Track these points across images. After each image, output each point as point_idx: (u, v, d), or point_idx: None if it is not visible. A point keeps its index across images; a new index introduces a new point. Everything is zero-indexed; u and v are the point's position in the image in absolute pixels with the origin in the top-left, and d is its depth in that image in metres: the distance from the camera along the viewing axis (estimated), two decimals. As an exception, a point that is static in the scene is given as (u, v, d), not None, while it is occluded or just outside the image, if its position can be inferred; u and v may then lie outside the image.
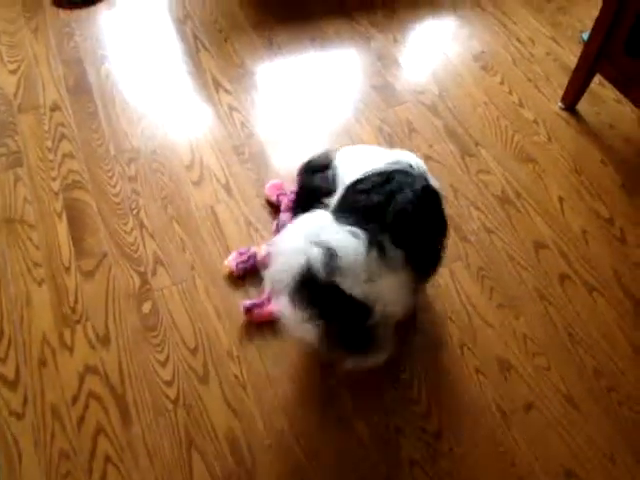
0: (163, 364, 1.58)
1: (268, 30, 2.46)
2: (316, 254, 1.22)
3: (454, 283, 1.76)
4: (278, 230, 1.77)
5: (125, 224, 1.84)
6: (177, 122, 2.13)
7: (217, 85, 2.24)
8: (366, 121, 2.16)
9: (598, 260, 1.83)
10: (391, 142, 2.07)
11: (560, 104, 2.21)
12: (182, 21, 2.50)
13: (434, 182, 1.49)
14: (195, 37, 2.42)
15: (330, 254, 1.23)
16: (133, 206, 1.88)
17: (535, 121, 2.17)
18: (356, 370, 1.43)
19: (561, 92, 2.22)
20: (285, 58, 2.38)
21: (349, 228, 1.30)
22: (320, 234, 1.27)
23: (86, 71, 2.26)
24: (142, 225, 1.84)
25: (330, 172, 1.60)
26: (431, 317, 1.69)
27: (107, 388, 1.52)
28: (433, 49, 2.47)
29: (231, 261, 1.74)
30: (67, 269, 1.73)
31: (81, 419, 1.47)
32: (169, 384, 1.55)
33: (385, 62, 2.38)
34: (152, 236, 1.82)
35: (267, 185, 1.92)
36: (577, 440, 1.51)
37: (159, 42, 2.41)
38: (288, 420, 1.51)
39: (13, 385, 1.52)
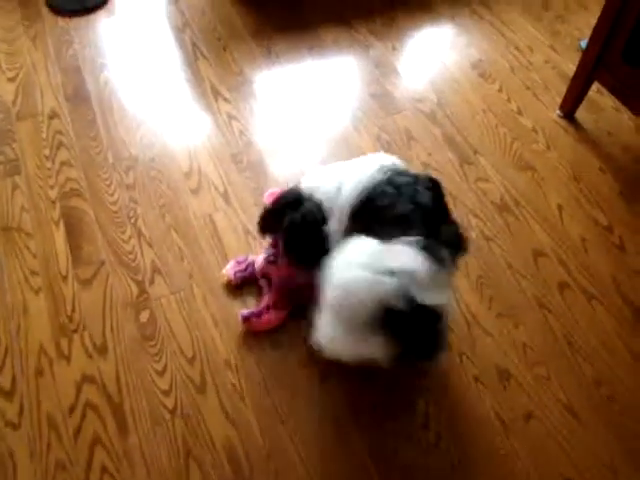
0: (161, 373, 1.57)
1: (267, 39, 2.47)
2: (393, 284, 1.22)
3: (453, 291, 1.75)
4: (276, 239, 1.77)
5: (123, 232, 1.83)
6: (175, 130, 2.13)
7: (216, 93, 2.24)
8: (364, 129, 2.15)
9: (597, 268, 1.82)
10: (390, 150, 2.07)
11: (558, 112, 2.21)
12: (181, 29, 2.50)
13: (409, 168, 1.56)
14: (194, 45, 2.42)
15: (406, 279, 1.23)
16: (131, 214, 1.87)
17: (534, 129, 2.17)
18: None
19: (559, 100, 2.22)
20: (283, 67, 2.38)
21: (401, 246, 1.29)
22: (382, 260, 1.26)
23: (85, 79, 2.26)
24: (140, 233, 1.83)
25: (310, 202, 1.57)
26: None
27: (104, 398, 1.51)
28: (431, 57, 2.47)
29: (229, 270, 1.73)
30: (64, 278, 1.72)
31: (78, 429, 1.46)
32: (166, 393, 1.53)
33: (384, 70, 2.38)
34: (150, 245, 1.81)
35: (266, 194, 1.91)
36: (577, 449, 1.50)
37: (158, 50, 2.41)
38: (286, 430, 1.49)
39: (9, 395, 1.50)
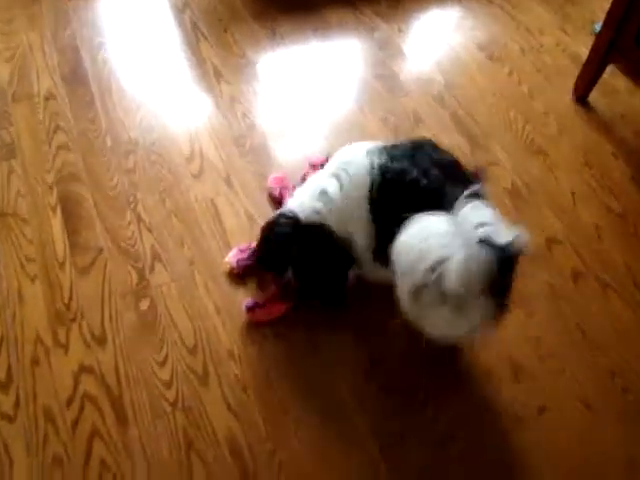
0: (161, 364, 1.50)
1: (271, 20, 2.38)
2: (489, 251, 1.16)
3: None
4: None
5: (122, 218, 1.76)
6: (176, 113, 2.05)
7: (218, 75, 2.16)
8: (370, 112, 2.08)
9: (611, 256, 1.75)
10: (397, 133, 2.00)
11: (571, 95, 2.13)
12: (181, 9, 2.41)
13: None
14: (194, 26, 2.34)
15: (494, 232, 1.19)
16: (131, 199, 1.80)
17: (545, 112, 2.09)
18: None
19: (571, 83, 2.14)
20: (287, 48, 2.30)
21: (470, 207, 1.24)
22: (466, 229, 1.20)
23: (82, 59, 2.18)
24: (140, 219, 1.76)
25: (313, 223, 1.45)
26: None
27: (103, 389, 1.45)
28: (438, 39, 2.39)
29: (231, 258, 1.66)
30: (61, 265, 1.65)
31: (75, 421, 1.39)
32: (168, 385, 1.47)
33: (389, 52, 2.30)
34: (150, 230, 1.74)
35: (270, 178, 1.84)
36: (591, 442, 1.44)
37: (157, 30, 2.33)
38: (290, 421, 1.43)
39: (4, 386, 1.44)
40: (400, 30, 2.39)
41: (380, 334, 1.58)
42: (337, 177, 1.43)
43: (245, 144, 1.96)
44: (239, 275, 1.65)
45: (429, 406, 1.47)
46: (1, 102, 2.02)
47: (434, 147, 1.42)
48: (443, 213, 1.24)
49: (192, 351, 1.53)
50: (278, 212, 1.53)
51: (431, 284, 1.21)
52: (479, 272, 1.16)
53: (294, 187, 1.78)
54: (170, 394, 1.46)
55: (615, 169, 1.95)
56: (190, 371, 1.49)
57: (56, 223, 1.73)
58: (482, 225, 1.20)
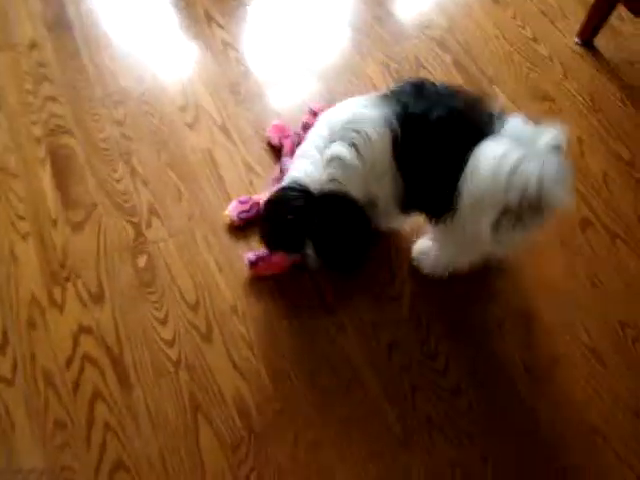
0: (162, 322, 1.42)
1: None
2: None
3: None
4: (282, 176, 1.60)
5: (115, 171, 1.65)
6: (167, 60, 1.90)
7: (209, 19, 2.00)
8: (370, 57, 1.94)
9: (621, 205, 1.67)
10: (399, 79, 1.87)
11: (576, 39, 2.01)
12: (168, -50, 2.24)
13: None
14: (183, -33, 2.18)
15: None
16: (123, 152, 1.68)
17: (550, 57, 1.97)
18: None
19: (577, 26, 2.01)
20: (281, -10, 2.15)
21: (512, 123, 1.21)
22: (529, 143, 1.17)
23: (66, 7, 2.01)
24: (134, 172, 1.65)
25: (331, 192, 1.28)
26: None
27: (103, 350, 1.37)
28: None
29: (231, 211, 1.56)
30: (54, 222, 1.54)
31: (76, 384, 1.32)
32: (170, 344, 1.40)
33: (388, -6, 2.15)
34: (145, 184, 1.63)
35: (269, 127, 1.73)
36: (602, 395, 1.40)
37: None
38: (298, 379, 1.37)
39: (1, 349, 1.36)
40: (398, -29, 2.24)
41: (387, 288, 1.51)
42: (348, 140, 1.26)
43: (240, 91, 1.83)
44: (240, 228, 1.56)
45: (439, 359, 1.42)
46: (-18, 50, 1.88)
47: (431, 83, 1.31)
48: (494, 137, 1.19)
49: (194, 308, 1.45)
50: (282, 185, 1.32)
51: (516, 205, 1.16)
52: (560, 176, 1.14)
53: (295, 135, 1.69)
54: (173, 353, 1.39)
55: (624, 115, 1.85)
56: (193, 328, 1.42)
57: (46, 178, 1.62)
58: (538, 134, 1.18)
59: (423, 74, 1.90)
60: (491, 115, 1.24)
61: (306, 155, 1.29)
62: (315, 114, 1.74)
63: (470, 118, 1.24)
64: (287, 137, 1.69)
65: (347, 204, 1.26)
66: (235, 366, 1.38)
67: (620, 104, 1.87)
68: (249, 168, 1.68)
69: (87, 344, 1.37)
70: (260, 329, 1.43)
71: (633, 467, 1.31)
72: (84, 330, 1.39)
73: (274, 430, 1.31)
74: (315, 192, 1.25)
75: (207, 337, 1.41)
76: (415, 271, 1.53)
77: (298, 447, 1.29)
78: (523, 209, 1.18)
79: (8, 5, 1.99)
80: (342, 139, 1.25)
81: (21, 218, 1.54)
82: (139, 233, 1.55)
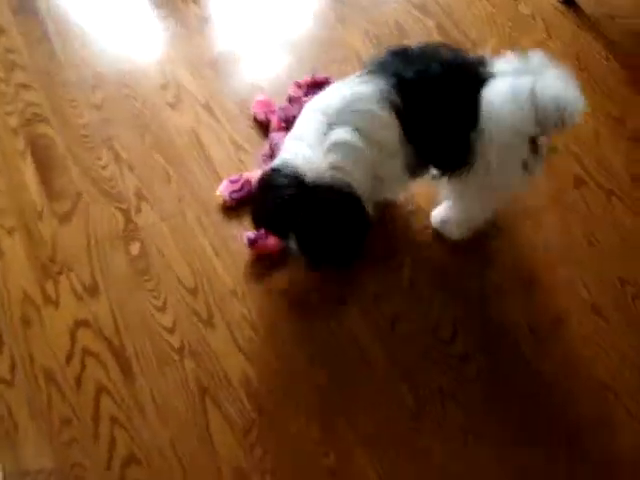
0: (161, 309, 1.37)
1: None
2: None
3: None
4: (272, 152, 1.54)
5: (99, 158, 1.57)
6: (143, 40, 1.82)
7: (183, -5, 1.92)
8: (350, 23, 1.87)
9: (613, 163, 1.65)
10: (379, 46, 1.81)
11: (557, -4, 1.98)
12: None
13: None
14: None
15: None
16: (105, 137, 1.60)
17: (533, 17, 1.92)
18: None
19: (557, -17, 1.98)
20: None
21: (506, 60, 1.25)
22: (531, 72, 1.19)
23: (30, -13, 1.92)
24: (118, 158, 1.57)
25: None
26: (443, 236, 1.51)
27: (103, 342, 1.31)
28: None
29: (223, 191, 1.50)
30: (39, 214, 1.47)
31: (78, 379, 1.26)
32: (171, 331, 1.34)
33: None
34: (131, 169, 1.56)
35: (253, 102, 1.66)
36: (606, 351, 1.38)
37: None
38: (305, 358, 1.33)
39: (-4, 349, 1.30)
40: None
41: (387, 260, 1.47)
42: (350, 123, 1.18)
43: (221, 67, 1.76)
44: (233, 208, 1.50)
45: (444, 328, 1.39)
46: (-54, 39, 1.77)
47: (412, 47, 1.27)
48: (495, 76, 1.21)
49: (193, 293, 1.40)
50: (275, 166, 1.21)
51: (542, 129, 1.20)
52: (570, 86, 1.18)
53: (281, 110, 1.63)
54: (175, 340, 1.34)
55: (610, 73, 1.82)
56: (193, 314, 1.37)
57: (28, 169, 1.54)
58: (530, 60, 1.21)
59: (405, 40, 1.84)
60: (482, 59, 1.25)
61: (303, 138, 1.20)
62: (300, 86, 1.68)
63: (464, 67, 1.22)
64: (273, 112, 1.63)
65: (344, 199, 1.16)
66: (240, 348, 1.33)
67: (604, 61, 1.84)
68: (237, 146, 1.61)
69: (86, 338, 1.31)
70: (262, 309, 1.38)
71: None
72: (81, 324, 1.33)
73: (284, 410, 1.27)
74: (310, 181, 1.15)
75: (208, 321, 1.36)
76: (413, 241, 1.50)
77: (310, 425, 1.25)
78: (547, 132, 1.23)
79: (-31, -10, 1.89)
80: (344, 123, 1.17)
81: (4, 213, 1.47)
82: (129, 220, 1.48)
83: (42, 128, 1.61)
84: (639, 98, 1.77)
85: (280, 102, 1.66)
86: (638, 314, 1.44)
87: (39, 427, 1.20)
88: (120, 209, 1.50)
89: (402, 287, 1.44)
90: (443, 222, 1.48)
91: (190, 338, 1.34)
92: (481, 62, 1.24)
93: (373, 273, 1.45)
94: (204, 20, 1.86)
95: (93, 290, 1.38)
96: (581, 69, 1.81)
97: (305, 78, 1.69)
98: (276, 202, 1.18)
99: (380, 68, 1.23)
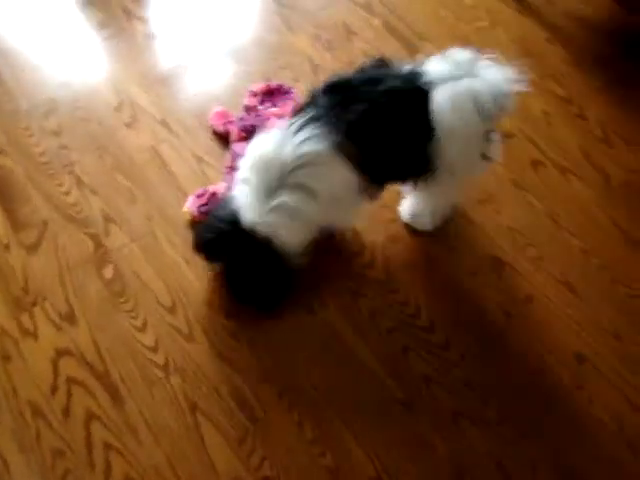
0: (141, 329, 1.36)
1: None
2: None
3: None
4: (234, 162, 1.54)
5: (60, 185, 1.55)
6: (91, 62, 1.80)
7: (127, 13, 1.89)
8: (298, 27, 1.89)
9: (564, 141, 1.70)
10: (330, 48, 1.84)
11: (495, -15, 2.03)
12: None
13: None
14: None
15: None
16: (65, 163, 1.58)
17: (474, 6, 1.97)
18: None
19: (493, -27, 2.03)
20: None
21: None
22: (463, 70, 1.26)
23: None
24: (80, 182, 1.55)
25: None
26: (411, 228, 1.54)
27: (87, 369, 1.29)
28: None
29: (190, 205, 1.50)
30: (6, 246, 1.44)
31: (66, 410, 1.24)
32: (154, 350, 1.33)
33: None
34: (94, 192, 1.54)
35: (211, 114, 1.66)
36: (580, 323, 1.43)
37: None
38: (291, 360, 1.34)
39: (-24, 389, 1.27)
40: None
41: (359, 257, 1.49)
42: (298, 186, 1.20)
43: (174, 82, 1.75)
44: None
45: (422, 317, 1.42)
46: None
47: (350, 79, 1.26)
48: (434, 84, 1.23)
49: (171, 310, 1.39)
50: (220, 206, 1.30)
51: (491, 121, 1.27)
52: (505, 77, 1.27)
53: (240, 120, 1.63)
54: (159, 358, 1.32)
55: (553, 55, 1.88)
56: (174, 330, 1.36)
57: (-12, 203, 1.51)
58: (459, 58, 1.28)
59: (354, 40, 1.87)
60: (416, 70, 1.26)
61: (252, 186, 1.22)
62: (255, 95, 1.69)
63: (405, 86, 1.23)
64: (231, 122, 1.63)
65: (266, 253, 1.24)
66: (223, 359, 1.33)
67: (547, 44, 1.90)
68: (199, 159, 1.61)
69: (69, 367, 1.29)
70: (241, 317, 1.38)
71: (621, 388, 1.35)
72: (63, 353, 1.30)
73: (277, 414, 1.27)
74: (245, 226, 1.22)
75: (190, 336, 1.35)
76: (381, 236, 1.52)
77: (304, 426, 1.26)
78: (495, 121, 1.31)
79: None
80: (293, 187, 1.20)
81: (-31, 249, 1.44)
82: (99, 243, 1.46)
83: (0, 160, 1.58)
84: (583, 77, 1.84)
85: (236, 112, 1.66)
86: (605, 283, 1.49)
87: (30, 462, 1.18)
88: (88, 234, 1.48)
89: (378, 281, 1.46)
90: (413, 216, 1.51)
91: (174, 355, 1.33)
92: (417, 74, 1.25)
93: (347, 270, 1.47)
94: (150, 36, 1.85)
95: (70, 317, 1.36)
96: (526, 54, 1.86)
97: (259, 86, 1.69)
98: (210, 233, 1.29)
99: (324, 113, 1.21)
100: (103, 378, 1.29)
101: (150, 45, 1.84)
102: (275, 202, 1.19)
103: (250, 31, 1.90)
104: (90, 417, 1.24)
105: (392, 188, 1.48)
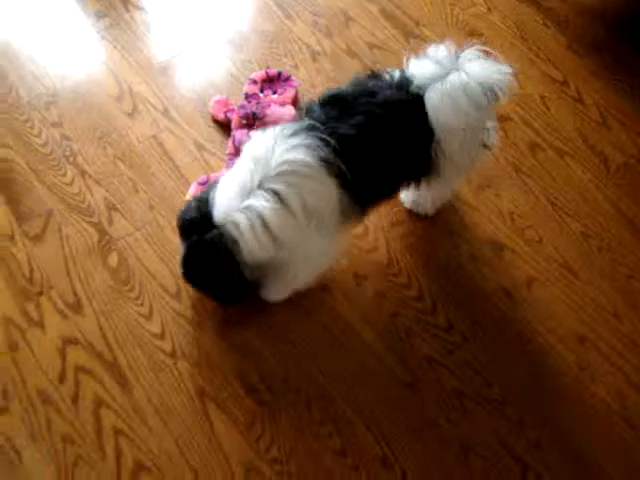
0: (148, 317, 1.35)
1: None
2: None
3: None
4: (236, 149, 1.53)
5: (63, 175, 1.53)
6: (91, 52, 1.78)
7: (126, 3, 1.86)
8: (297, 16, 1.87)
9: (562, 124, 1.70)
10: (329, 35, 1.83)
11: (491, -30, 2.01)
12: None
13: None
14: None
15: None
16: (67, 153, 1.56)
17: (471, -8, 1.96)
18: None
19: (489, -43, 2.01)
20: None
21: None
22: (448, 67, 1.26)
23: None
24: (83, 172, 1.54)
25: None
26: (413, 212, 1.53)
27: (94, 357, 1.29)
28: None
29: (193, 194, 1.49)
30: (11, 238, 1.43)
31: (75, 397, 1.24)
32: (161, 337, 1.33)
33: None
34: (98, 182, 1.52)
35: (211, 103, 1.65)
36: (582, 305, 1.43)
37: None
38: (295, 344, 1.34)
39: (-14, 379, 1.26)
40: None
41: (362, 241, 1.48)
42: (274, 194, 1.14)
43: (174, 71, 1.73)
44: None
45: (424, 300, 1.42)
46: None
47: (344, 92, 1.24)
48: (424, 88, 1.23)
49: (176, 296, 1.38)
50: (207, 190, 1.24)
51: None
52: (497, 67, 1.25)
53: (240, 108, 1.62)
54: (166, 345, 1.32)
55: (550, 39, 1.87)
56: (180, 317, 1.35)
57: (-8, 194, 1.50)
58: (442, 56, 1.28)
59: (352, 26, 1.85)
60: (405, 77, 1.25)
61: (233, 184, 1.18)
62: (255, 82, 1.67)
63: (398, 95, 1.22)
64: (232, 111, 1.62)
65: (218, 253, 1.18)
66: (231, 345, 1.33)
67: (544, 27, 1.89)
68: (200, 147, 1.60)
69: (76, 355, 1.28)
70: (246, 302, 1.37)
71: (621, 368, 1.36)
72: (70, 341, 1.30)
73: (284, 398, 1.27)
74: (215, 221, 1.17)
75: (197, 323, 1.35)
76: (383, 221, 1.52)
77: (312, 409, 1.26)
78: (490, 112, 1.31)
79: None
80: (266, 191, 1.14)
81: (-26, 240, 1.42)
82: (103, 232, 1.45)
83: (2, 153, 1.56)
84: (579, 60, 1.83)
85: (236, 99, 1.65)
86: (605, 264, 1.50)
87: (41, 449, 1.17)
88: (92, 223, 1.46)
89: (381, 265, 1.45)
90: (415, 203, 1.50)
91: (181, 341, 1.33)
92: (406, 80, 1.24)
93: (350, 256, 1.46)
94: (149, 25, 1.83)
95: (77, 306, 1.35)
96: (522, 38, 1.86)
97: (259, 74, 1.68)
98: (184, 219, 1.24)
99: (319, 124, 1.18)
100: (111, 366, 1.28)
101: (150, 34, 1.81)
102: (246, 203, 1.14)
103: (249, 19, 1.88)
104: (99, 404, 1.23)
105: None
